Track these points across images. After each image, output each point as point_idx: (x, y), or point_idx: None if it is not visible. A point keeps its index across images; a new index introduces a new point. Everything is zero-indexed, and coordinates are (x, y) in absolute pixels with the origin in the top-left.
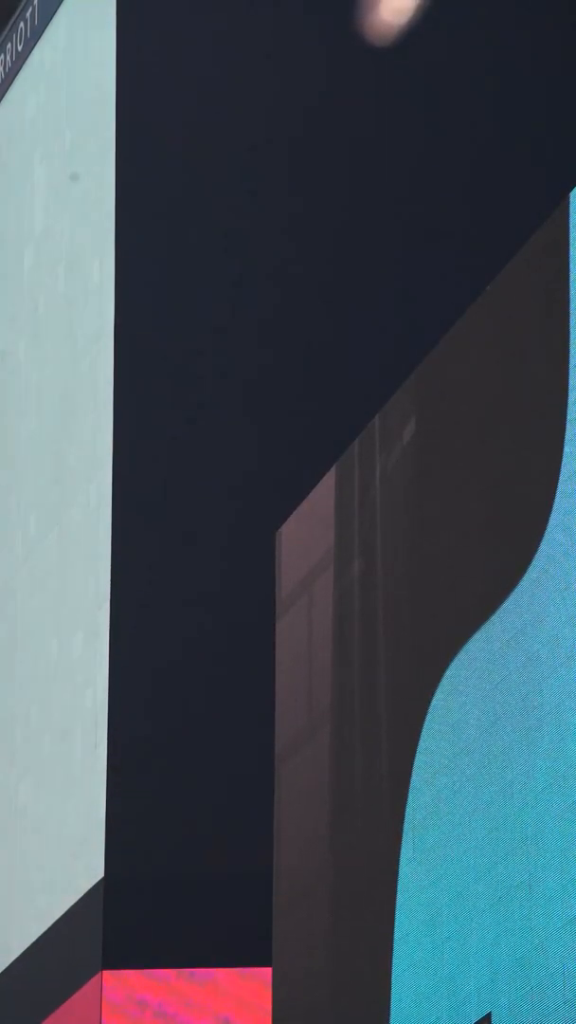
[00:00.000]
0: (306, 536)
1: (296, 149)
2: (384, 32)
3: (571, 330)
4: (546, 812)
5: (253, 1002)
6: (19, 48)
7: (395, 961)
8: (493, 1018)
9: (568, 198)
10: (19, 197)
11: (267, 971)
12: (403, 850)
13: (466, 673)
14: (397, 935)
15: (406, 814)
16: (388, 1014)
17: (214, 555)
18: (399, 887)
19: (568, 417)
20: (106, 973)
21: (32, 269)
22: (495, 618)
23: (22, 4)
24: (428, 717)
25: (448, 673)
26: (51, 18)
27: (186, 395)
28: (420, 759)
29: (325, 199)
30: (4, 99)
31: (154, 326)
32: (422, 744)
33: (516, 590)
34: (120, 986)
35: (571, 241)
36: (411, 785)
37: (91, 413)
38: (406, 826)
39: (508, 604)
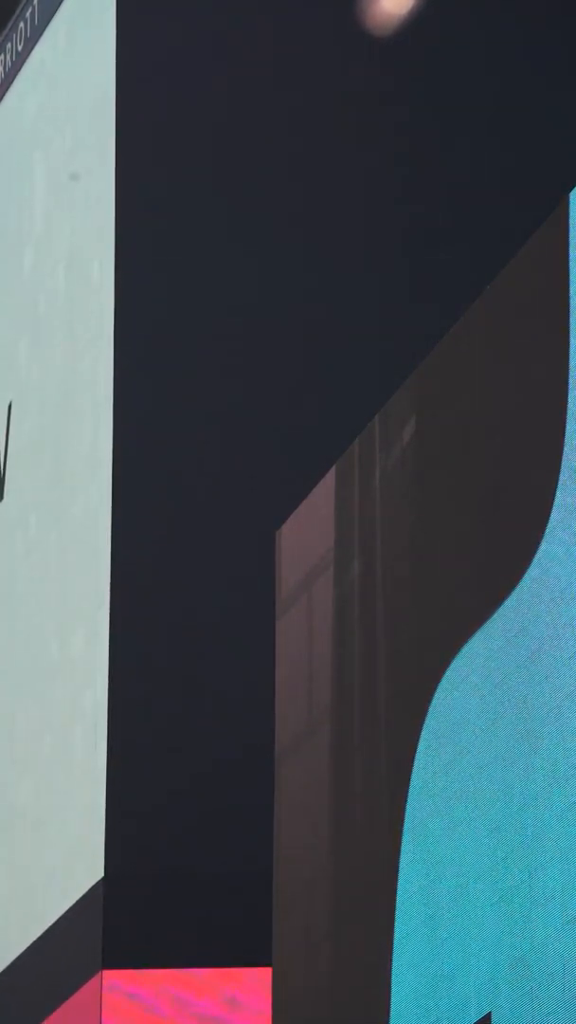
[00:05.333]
0: (306, 536)
1: (297, 148)
2: (384, 28)
3: (571, 330)
4: (546, 812)
5: (253, 1002)
6: (19, 48)
7: (395, 961)
8: (493, 1018)
9: (568, 198)
10: (19, 197)
11: (267, 971)
12: (403, 850)
13: (466, 673)
14: (397, 935)
15: (406, 814)
16: (388, 1014)
17: (214, 555)
18: (399, 887)
19: (568, 416)
20: (106, 973)
21: (32, 269)
22: (495, 618)
23: (22, 4)
24: (428, 717)
25: (448, 673)
26: (51, 18)
27: (186, 395)
28: (420, 759)
29: (325, 198)
30: (4, 99)
31: (154, 326)
32: (422, 744)
33: (516, 590)
34: (120, 986)
35: (571, 241)
36: (411, 785)
37: (91, 413)
38: (406, 826)
39: (508, 604)
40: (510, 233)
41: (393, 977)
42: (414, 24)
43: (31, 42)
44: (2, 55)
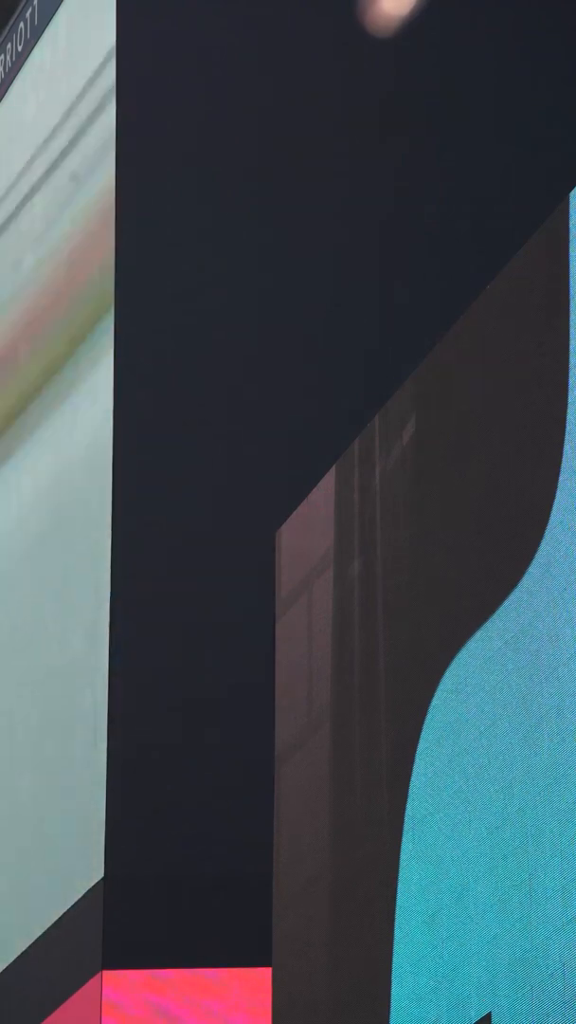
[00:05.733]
0: (306, 536)
1: (298, 147)
2: (385, 27)
3: (571, 330)
4: (546, 812)
5: (253, 1002)
6: (19, 48)
7: (395, 961)
8: (493, 1018)
9: (568, 198)
10: (19, 197)
11: (267, 971)
12: (403, 849)
13: (466, 673)
14: (397, 935)
15: (406, 814)
16: (388, 1014)
17: (214, 555)
18: (399, 887)
19: (568, 417)
20: (106, 973)
21: (32, 269)
22: (495, 618)
23: (22, 4)
24: (428, 717)
25: (448, 673)
26: (51, 18)
27: (186, 395)
28: (420, 759)
29: (326, 198)
30: (4, 99)
31: (154, 326)
32: (422, 744)
33: (516, 590)
34: (120, 986)
35: (571, 241)
36: (411, 785)
37: (91, 413)
38: (406, 826)
39: (508, 604)
40: (510, 233)
41: (393, 977)
42: (414, 25)
43: (31, 42)
44: (2, 55)
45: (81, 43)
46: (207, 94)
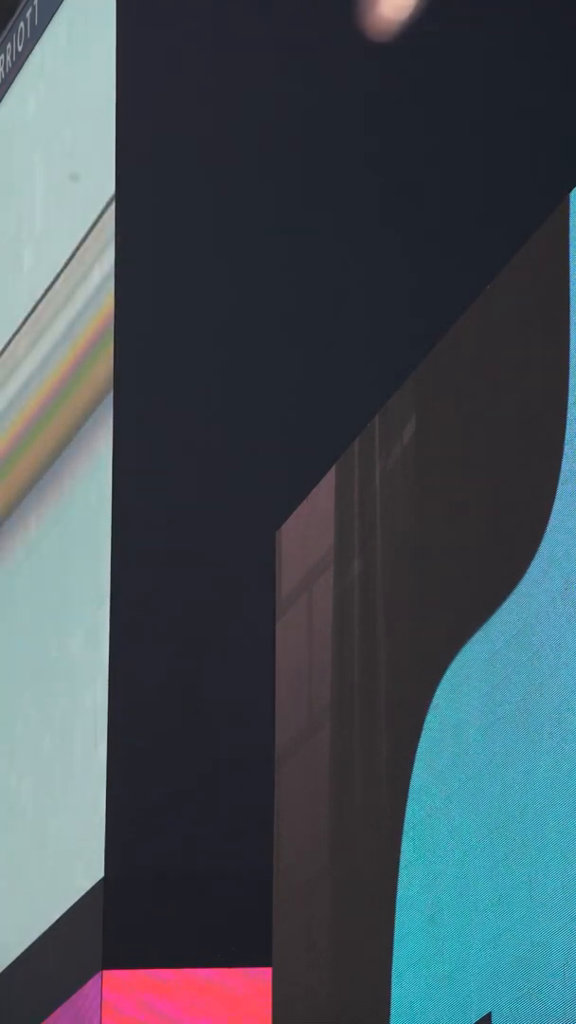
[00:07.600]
0: (306, 536)
1: (298, 148)
2: (384, 29)
3: (571, 330)
4: (547, 812)
5: (253, 1002)
6: (19, 48)
7: (395, 960)
8: (493, 1018)
9: (568, 198)
10: (19, 197)
11: (267, 971)
12: (403, 850)
13: (466, 673)
14: (397, 934)
15: (406, 814)
16: (388, 1013)
17: (214, 555)
18: (399, 887)
19: (568, 417)
20: (106, 973)
21: (32, 269)
22: (495, 618)
23: (22, 4)
24: (428, 717)
25: (448, 673)
26: (51, 18)
27: (186, 395)
28: (420, 759)
29: (326, 198)
30: (4, 99)
31: (154, 326)
32: (422, 744)
33: (516, 590)
34: (120, 986)
35: (571, 241)
36: (411, 785)
37: (90, 413)
38: (406, 826)
39: (508, 604)
40: (510, 233)
41: (393, 977)
42: (413, 26)
43: (31, 42)
44: (2, 55)
45: (81, 43)
46: (207, 93)
